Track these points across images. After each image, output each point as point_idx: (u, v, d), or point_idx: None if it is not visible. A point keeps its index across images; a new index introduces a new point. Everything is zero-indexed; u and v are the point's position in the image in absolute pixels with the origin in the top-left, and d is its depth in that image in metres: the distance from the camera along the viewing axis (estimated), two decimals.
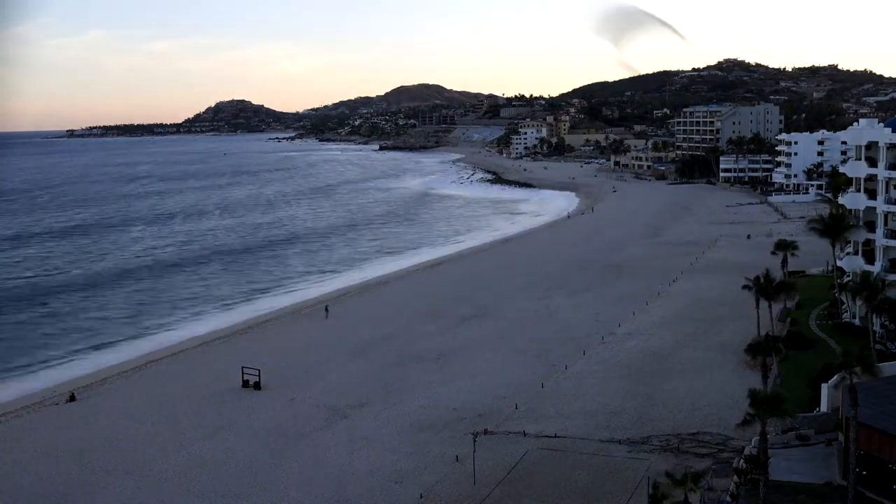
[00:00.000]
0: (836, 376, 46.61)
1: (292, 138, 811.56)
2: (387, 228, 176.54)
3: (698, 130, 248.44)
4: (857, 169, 71.21)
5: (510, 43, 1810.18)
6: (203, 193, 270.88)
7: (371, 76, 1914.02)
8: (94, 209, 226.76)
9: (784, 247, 78.17)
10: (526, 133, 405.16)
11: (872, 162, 68.85)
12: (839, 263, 73.68)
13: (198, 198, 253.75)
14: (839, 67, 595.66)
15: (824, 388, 47.94)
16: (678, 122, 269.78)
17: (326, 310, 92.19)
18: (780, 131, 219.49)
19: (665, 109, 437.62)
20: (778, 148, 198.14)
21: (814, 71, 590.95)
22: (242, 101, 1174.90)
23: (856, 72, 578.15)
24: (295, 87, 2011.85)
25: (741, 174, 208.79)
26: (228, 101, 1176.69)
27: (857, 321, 68.18)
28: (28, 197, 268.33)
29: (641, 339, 74.43)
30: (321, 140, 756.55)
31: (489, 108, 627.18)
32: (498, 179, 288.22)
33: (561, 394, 60.71)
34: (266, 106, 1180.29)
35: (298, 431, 56.13)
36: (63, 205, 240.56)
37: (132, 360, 78.26)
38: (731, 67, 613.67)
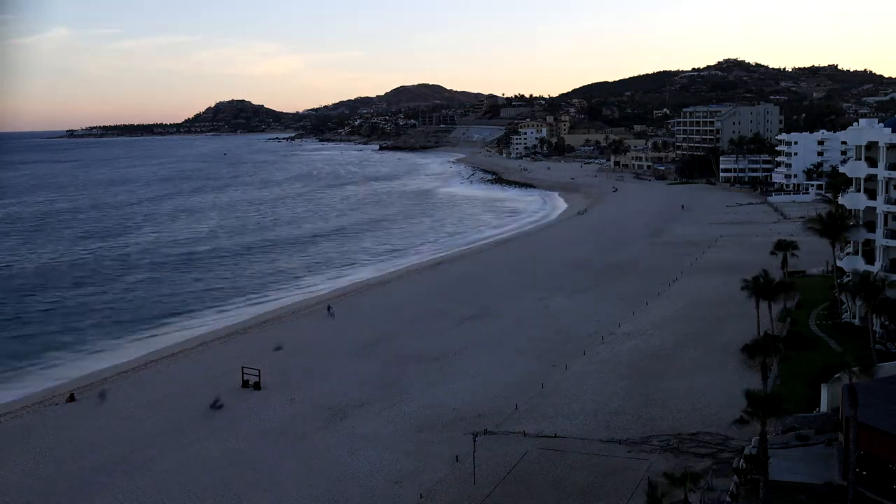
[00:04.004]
0: (835, 376, 46.64)
1: (292, 138, 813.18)
2: (387, 230, 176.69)
3: (698, 130, 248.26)
4: (857, 169, 71.21)
5: (510, 43, 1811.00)
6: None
7: (371, 76, 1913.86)
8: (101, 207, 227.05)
9: (784, 247, 78.22)
10: (526, 133, 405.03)
11: (872, 162, 68.87)
12: (839, 263, 73.68)
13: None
14: (839, 67, 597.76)
15: (824, 388, 47.96)
16: (678, 123, 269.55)
17: (328, 309, 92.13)
18: (780, 131, 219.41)
19: (665, 109, 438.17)
20: (778, 148, 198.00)
21: (814, 71, 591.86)
22: (242, 102, 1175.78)
23: (856, 72, 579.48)
24: (295, 88, 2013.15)
25: (741, 174, 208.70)
26: (228, 102, 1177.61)
27: (857, 321, 68.17)
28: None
29: (641, 339, 74.39)
30: (321, 140, 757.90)
31: (489, 108, 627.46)
32: (498, 180, 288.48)
33: (561, 394, 60.68)
34: (266, 106, 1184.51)
35: (298, 431, 56.14)
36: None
37: (132, 360, 78.32)
38: (731, 67, 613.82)
